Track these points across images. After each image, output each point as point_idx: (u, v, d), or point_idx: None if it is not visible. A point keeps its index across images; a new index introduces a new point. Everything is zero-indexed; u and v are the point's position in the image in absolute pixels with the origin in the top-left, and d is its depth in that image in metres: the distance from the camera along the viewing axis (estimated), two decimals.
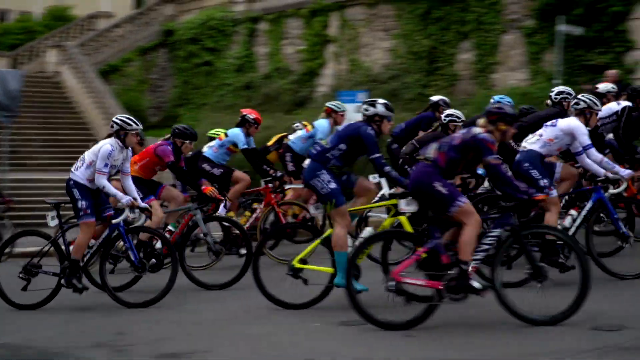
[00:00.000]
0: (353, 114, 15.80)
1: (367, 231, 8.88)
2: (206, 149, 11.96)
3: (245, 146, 11.83)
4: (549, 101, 10.61)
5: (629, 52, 19.20)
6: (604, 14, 19.35)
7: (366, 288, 8.00)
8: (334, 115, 12.04)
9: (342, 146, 8.39)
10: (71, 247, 9.25)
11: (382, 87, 22.75)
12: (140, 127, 9.45)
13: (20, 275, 9.35)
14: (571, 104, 9.92)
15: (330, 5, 26.01)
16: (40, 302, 9.29)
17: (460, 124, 10.84)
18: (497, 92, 19.66)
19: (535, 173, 9.05)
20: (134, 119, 9.41)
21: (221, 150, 11.91)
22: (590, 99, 9.51)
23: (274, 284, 8.58)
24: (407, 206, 7.74)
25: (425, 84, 22.83)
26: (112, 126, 9.28)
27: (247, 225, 11.75)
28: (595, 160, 9.28)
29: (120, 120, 9.30)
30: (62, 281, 9.20)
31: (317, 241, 8.56)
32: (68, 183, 9.20)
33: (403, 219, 8.08)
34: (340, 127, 8.73)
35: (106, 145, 9.14)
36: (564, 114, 9.97)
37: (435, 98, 12.67)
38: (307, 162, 8.60)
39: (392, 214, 8.40)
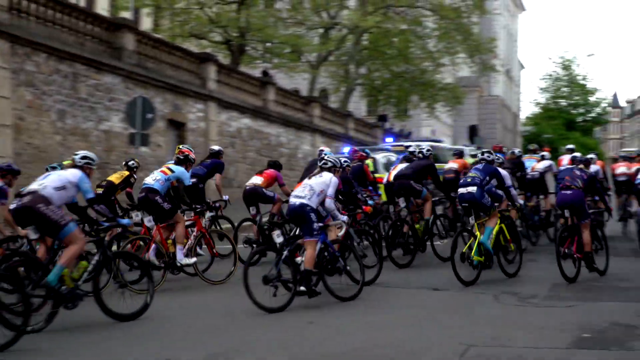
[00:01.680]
0: None
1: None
2: (153, 182, 12.60)
3: (190, 183, 13.14)
4: (420, 154, 15.29)
5: None
6: None
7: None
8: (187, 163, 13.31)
9: (493, 181, 12.66)
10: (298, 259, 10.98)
11: None
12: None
13: (271, 285, 10.46)
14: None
15: None
16: (283, 305, 10.42)
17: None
18: None
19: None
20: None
21: (167, 184, 12.75)
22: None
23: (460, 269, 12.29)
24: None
25: None
26: (325, 163, 11.45)
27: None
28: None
29: (333, 160, 11.59)
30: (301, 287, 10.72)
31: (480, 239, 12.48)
32: (304, 209, 10.98)
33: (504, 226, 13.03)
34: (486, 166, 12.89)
35: (334, 177, 11.29)
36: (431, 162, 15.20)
37: (216, 148, 16.54)
38: (470, 188, 12.43)
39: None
